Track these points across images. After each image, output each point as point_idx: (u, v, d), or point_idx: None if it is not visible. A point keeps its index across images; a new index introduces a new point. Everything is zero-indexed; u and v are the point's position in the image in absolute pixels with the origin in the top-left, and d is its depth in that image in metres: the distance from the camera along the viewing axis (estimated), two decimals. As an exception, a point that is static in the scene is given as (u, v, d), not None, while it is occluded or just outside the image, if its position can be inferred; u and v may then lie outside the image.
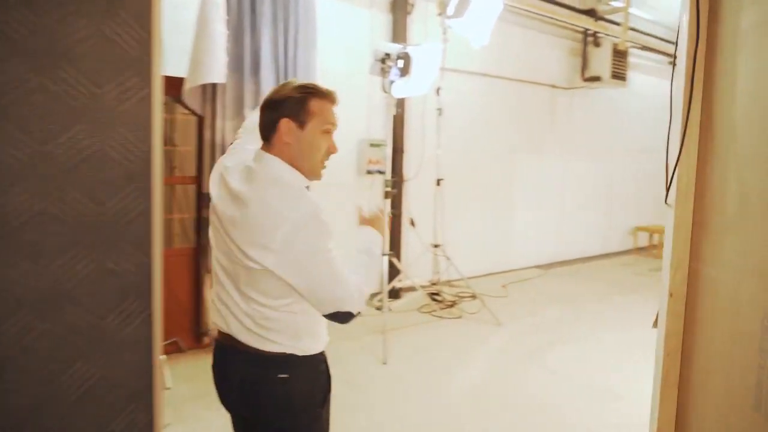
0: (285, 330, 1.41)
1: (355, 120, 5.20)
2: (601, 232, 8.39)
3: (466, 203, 6.38)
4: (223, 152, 3.82)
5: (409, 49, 4.16)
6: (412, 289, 5.36)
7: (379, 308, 4.41)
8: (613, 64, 7.05)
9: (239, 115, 3.84)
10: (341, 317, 1.39)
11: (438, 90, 5.04)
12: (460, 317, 5.00)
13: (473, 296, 5.41)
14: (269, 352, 1.41)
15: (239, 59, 3.80)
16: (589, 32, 7.23)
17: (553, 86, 7.21)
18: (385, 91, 4.26)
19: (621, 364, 4.03)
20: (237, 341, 1.44)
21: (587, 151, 7.88)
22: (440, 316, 5.01)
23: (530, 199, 7.19)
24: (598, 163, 8.16)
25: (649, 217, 9.14)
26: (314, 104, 1.42)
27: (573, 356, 4.16)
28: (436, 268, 5.47)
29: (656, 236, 8.68)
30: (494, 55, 6.34)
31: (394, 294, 5.44)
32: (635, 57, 7.92)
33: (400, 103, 5.17)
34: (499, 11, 4.70)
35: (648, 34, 8.08)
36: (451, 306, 5.26)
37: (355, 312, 1.40)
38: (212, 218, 1.49)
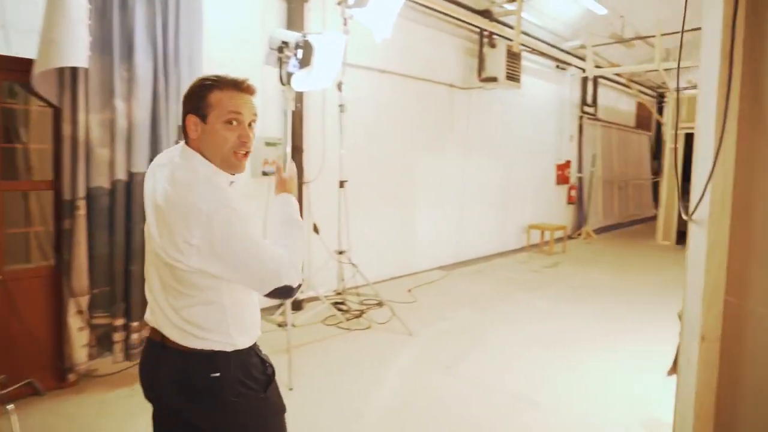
0: (211, 325, 1.40)
1: (249, 116, 4.71)
2: (498, 230, 8.55)
3: (370, 206, 6.11)
4: (87, 151, 3.20)
5: (310, 38, 3.78)
6: (315, 299, 4.97)
7: (281, 325, 3.97)
8: (508, 65, 7.16)
9: (108, 106, 3.22)
10: (282, 293, 1.38)
11: (340, 85, 4.69)
12: (369, 328, 4.70)
13: (380, 304, 5.14)
14: (197, 350, 1.40)
15: (107, 40, 3.18)
16: (485, 33, 7.28)
17: (451, 86, 7.17)
18: (283, 84, 3.84)
19: (532, 366, 3.96)
20: (166, 338, 1.43)
21: (484, 150, 7.97)
22: (348, 328, 4.67)
23: (432, 200, 7.09)
24: (495, 163, 8.30)
25: (540, 215, 9.50)
26: (214, 96, 1.41)
27: (486, 362, 4.03)
28: (341, 276, 5.11)
29: (547, 233, 9.03)
30: (395, 52, 6.13)
31: (296, 305, 5.01)
32: (526, 60, 8.16)
33: (299, 98, 4.76)
34: (401, 3, 4.47)
35: (537, 38, 8.36)
36: (359, 316, 4.94)
37: (294, 285, 1.38)
38: (146, 213, 1.46)
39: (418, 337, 4.49)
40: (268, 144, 4.78)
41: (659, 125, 15.21)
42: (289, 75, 3.80)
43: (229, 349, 1.42)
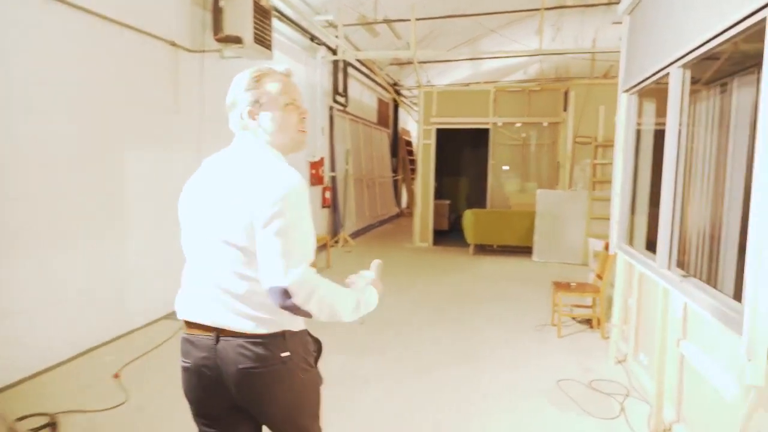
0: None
1: None
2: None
3: (37, 232, 3.44)
4: None
5: None
6: None
7: None
8: (256, 23, 5.17)
9: None
10: (283, 301, 1.34)
11: None
12: None
13: (52, 425, 2.66)
14: (265, 334, 1.42)
15: None
16: (219, -26, 5.14)
17: (174, 44, 4.84)
18: None
19: None
20: (223, 331, 1.43)
21: (227, 142, 5.82)
22: None
23: (153, 215, 4.67)
24: (241, 160, 6.22)
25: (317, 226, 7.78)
26: (269, 86, 1.54)
27: None
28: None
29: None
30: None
31: None
32: (275, 32, 6.30)
33: None
34: None
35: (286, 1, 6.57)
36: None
37: (299, 305, 1.34)
38: (195, 205, 1.53)
39: None
40: None
41: (396, 122, 15.18)
42: None
43: (295, 328, 1.47)
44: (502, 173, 9.49)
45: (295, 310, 1.33)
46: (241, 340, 1.40)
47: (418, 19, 8.18)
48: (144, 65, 4.49)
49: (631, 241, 3.82)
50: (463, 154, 12.76)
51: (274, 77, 1.53)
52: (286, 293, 1.31)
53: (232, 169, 1.47)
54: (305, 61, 8.13)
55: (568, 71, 13.78)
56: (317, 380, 1.57)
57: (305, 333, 1.53)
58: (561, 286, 4.63)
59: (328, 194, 9.19)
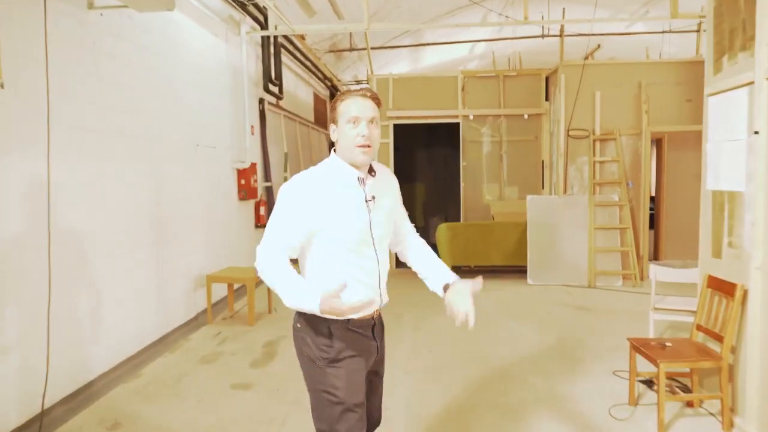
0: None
1: None
2: (152, 297, 4.42)
3: None
4: None
5: None
6: None
7: None
8: (144, -52, 3.19)
9: None
10: None
11: None
12: None
13: None
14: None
15: None
16: None
17: (-7, -30, 2.77)
18: None
19: None
20: None
21: (108, 142, 3.74)
22: None
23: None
24: (133, 167, 4.13)
25: (221, 253, 5.76)
26: (342, 105, 1.71)
27: None
28: None
29: (236, 286, 5.40)
30: None
31: None
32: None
33: None
34: None
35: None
36: None
37: (257, 268, 1.72)
38: None
39: None
40: None
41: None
42: None
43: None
44: (477, 177, 7.87)
45: None
46: None
47: (372, -16, 6.41)
48: None
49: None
50: (416, 155, 11.11)
51: (349, 94, 1.71)
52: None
53: None
54: (226, 36, 6.12)
55: (520, 64, 12.48)
56: (319, 374, 1.70)
57: (319, 323, 1.70)
58: (653, 349, 2.98)
59: (263, 210, 7.18)
